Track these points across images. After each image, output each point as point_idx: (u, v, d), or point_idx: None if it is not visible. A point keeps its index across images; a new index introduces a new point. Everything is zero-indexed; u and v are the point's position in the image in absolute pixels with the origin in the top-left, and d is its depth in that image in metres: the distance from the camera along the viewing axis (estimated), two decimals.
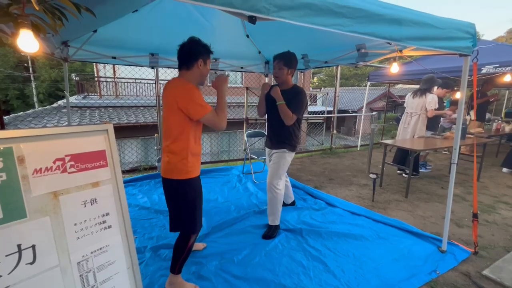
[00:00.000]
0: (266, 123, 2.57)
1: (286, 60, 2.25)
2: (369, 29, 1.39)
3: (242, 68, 4.04)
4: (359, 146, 6.66)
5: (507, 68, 3.94)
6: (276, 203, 2.40)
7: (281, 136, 2.37)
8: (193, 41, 1.60)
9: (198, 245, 2.21)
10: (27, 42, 0.96)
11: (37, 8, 0.96)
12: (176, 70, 2.63)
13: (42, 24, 1.18)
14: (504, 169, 4.66)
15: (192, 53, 1.57)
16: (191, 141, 1.57)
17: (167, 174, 1.59)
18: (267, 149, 2.61)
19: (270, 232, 2.40)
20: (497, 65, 4.04)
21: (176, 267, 1.69)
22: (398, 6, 1.55)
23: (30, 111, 7.43)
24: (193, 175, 1.60)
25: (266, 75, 4.23)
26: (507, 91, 9.86)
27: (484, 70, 4.13)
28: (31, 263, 1.03)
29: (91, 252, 1.21)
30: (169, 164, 1.57)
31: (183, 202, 1.61)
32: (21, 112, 7.13)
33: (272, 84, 2.52)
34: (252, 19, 1.06)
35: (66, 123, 6.40)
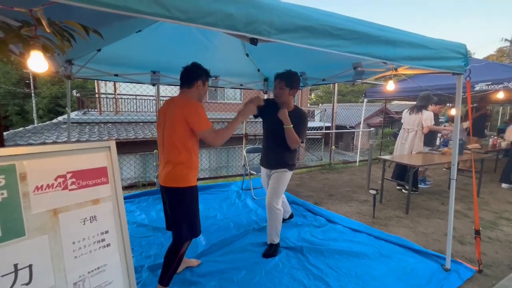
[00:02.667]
0: (263, 143, 2.51)
1: (288, 80, 2.18)
2: (365, 49, 1.45)
3: (241, 85, 4.12)
4: (357, 161, 6.67)
5: (499, 86, 4.06)
6: (276, 222, 2.35)
7: (282, 157, 2.31)
8: (196, 65, 1.81)
9: (192, 261, 2.17)
10: (38, 62, 0.99)
11: (48, 31, 1.00)
12: (177, 86, 2.71)
13: (51, 45, 1.22)
14: (504, 185, 4.66)
15: (194, 74, 1.77)
16: (194, 153, 1.72)
17: (171, 183, 1.69)
18: (265, 169, 2.51)
19: (271, 251, 2.35)
20: (489, 83, 4.16)
21: (165, 279, 1.71)
22: (393, 28, 1.62)
23: (30, 126, 7.45)
24: (194, 184, 1.74)
25: (265, 92, 4.31)
26: (501, 107, 10.06)
27: (477, 88, 4.24)
28: (27, 284, 1.00)
29: (88, 272, 1.18)
30: (174, 174, 1.68)
31: (186, 208, 1.71)
32: (21, 128, 7.14)
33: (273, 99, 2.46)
34: (253, 41, 1.11)
35: (65, 138, 6.42)
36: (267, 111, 2.23)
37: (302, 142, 2.30)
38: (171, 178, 1.68)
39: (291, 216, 3.04)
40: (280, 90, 2.21)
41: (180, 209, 1.71)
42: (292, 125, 2.14)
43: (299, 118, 2.23)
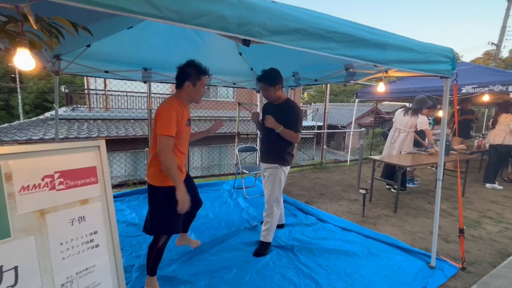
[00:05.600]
0: (260, 140, 2.62)
1: (269, 80, 2.25)
2: (356, 52, 1.47)
3: (234, 84, 4.11)
4: (348, 161, 6.77)
5: (485, 89, 4.19)
6: (272, 220, 2.39)
7: (272, 151, 2.38)
8: (186, 63, 1.75)
9: (194, 241, 2.36)
10: (24, 60, 0.96)
11: (35, 28, 0.97)
12: (169, 84, 2.71)
13: (38, 41, 1.19)
14: (488, 185, 4.82)
15: (183, 75, 1.73)
16: (175, 151, 1.70)
17: (149, 180, 1.76)
18: (261, 164, 2.57)
19: (262, 249, 2.37)
20: (476, 86, 4.29)
21: (148, 269, 1.80)
22: (383, 31, 1.65)
23: (15, 122, 7.23)
24: (170, 184, 1.65)
25: (258, 91, 4.32)
26: (486, 109, 10.37)
27: (464, 90, 4.37)
28: (13, 286, 0.98)
29: (76, 273, 1.17)
30: (149, 172, 1.75)
31: (156, 206, 1.75)
32: (6, 124, 6.91)
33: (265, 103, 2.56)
34: (246, 43, 1.11)
35: (53, 135, 6.25)
36: (266, 111, 2.41)
37: (297, 132, 2.27)
38: (149, 176, 1.74)
39: (281, 226, 2.99)
40: (266, 92, 2.31)
41: (152, 206, 1.77)
42: (282, 128, 2.21)
43: (290, 109, 2.28)
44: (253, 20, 1.09)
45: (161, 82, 3.96)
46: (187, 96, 1.77)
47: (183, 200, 1.59)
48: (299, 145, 9.44)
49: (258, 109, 4.47)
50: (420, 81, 4.82)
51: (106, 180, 1.28)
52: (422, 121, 4.09)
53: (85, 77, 10.17)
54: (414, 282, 2.04)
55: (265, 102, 2.69)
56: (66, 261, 1.13)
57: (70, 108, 9.28)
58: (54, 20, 1.11)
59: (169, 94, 10.20)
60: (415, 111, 4.17)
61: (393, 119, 4.53)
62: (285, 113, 2.27)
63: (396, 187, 3.66)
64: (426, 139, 4.47)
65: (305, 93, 26.40)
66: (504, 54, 21.54)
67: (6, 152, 1.00)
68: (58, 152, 1.14)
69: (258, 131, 2.67)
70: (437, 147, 4.55)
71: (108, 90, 9.73)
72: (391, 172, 4.11)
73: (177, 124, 1.64)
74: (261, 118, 2.55)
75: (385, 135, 5.20)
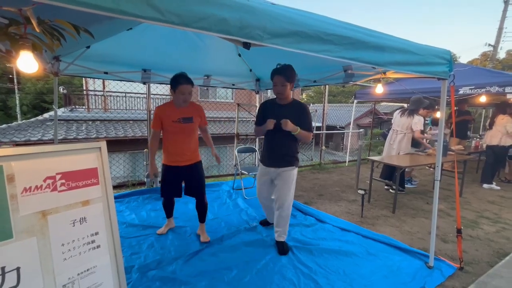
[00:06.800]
0: (267, 143, 2.42)
1: (288, 75, 2.17)
2: (355, 54, 1.49)
3: (233, 85, 4.13)
4: (347, 161, 6.79)
5: (482, 90, 4.23)
6: (288, 220, 2.44)
7: (287, 154, 2.31)
8: (176, 74, 2.22)
9: (204, 236, 2.62)
10: (27, 63, 0.97)
11: (38, 30, 0.98)
12: (168, 85, 2.80)
13: (39, 43, 1.19)
14: (485, 185, 4.86)
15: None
16: (165, 143, 2.38)
17: None
18: (268, 168, 2.42)
19: (285, 247, 2.41)
20: (473, 87, 4.32)
21: None
22: (381, 34, 1.67)
23: (14, 123, 7.20)
24: (164, 162, 2.44)
25: (257, 92, 4.33)
26: (484, 110, 10.44)
27: (461, 91, 4.40)
28: (14, 287, 0.99)
29: (78, 274, 1.17)
30: None
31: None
32: (4, 125, 6.89)
33: (268, 99, 2.52)
34: (246, 45, 1.13)
35: (51, 136, 6.23)
36: (269, 111, 2.31)
37: (311, 132, 2.29)
38: None
39: None
40: (282, 87, 2.19)
41: None
42: (299, 129, 2.18)
43: (302, 110, 2.26)
44: (254, 23, 1.10)
45: (160, 83, 3.96)
46: (174, 100, 2.29)
47: (150, 169, 2.43)
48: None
49: (258, 110, 4.48)
50: (418, 82, 4.85)
51: (107, 181, 1.29)
52: (417, 121, 4.10)
53: (83, 78, 10.15)
54: (412, 282, 2.05)
55: (264, 101, 2.61)
56: (67, 262, 1.13)
57: (69, 109, 9.26)
58: (56, 22, 1.12)
59: (168, 95, 10.21)
60: (412, 112, 4.19)
61: (392, 121, 4.55)
62: (298, 114, 2.22)
63: (394, 187, 3.68)
64: (426, 139, 4.50)
65: (303, 94, 26.45)
66: (501, 55, 21.73)
67: (8, 154, 1.00)
68: (60, 153, 1.15)
69: (257, 133, 2.50)
70: (435, 147, 4.58)
71: (107, 91, 9.72)
72: (390, 173, 4.13)
73: (162, 121, 2.28)
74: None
75: (384, 136, 5.22)
